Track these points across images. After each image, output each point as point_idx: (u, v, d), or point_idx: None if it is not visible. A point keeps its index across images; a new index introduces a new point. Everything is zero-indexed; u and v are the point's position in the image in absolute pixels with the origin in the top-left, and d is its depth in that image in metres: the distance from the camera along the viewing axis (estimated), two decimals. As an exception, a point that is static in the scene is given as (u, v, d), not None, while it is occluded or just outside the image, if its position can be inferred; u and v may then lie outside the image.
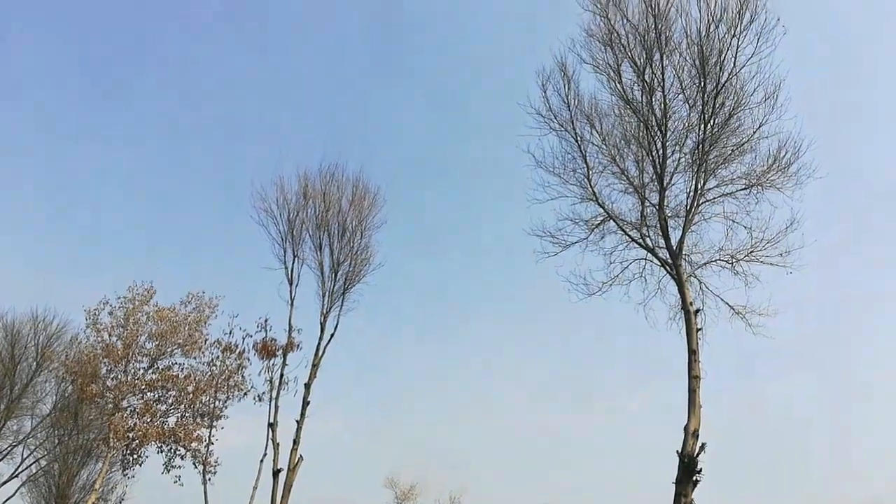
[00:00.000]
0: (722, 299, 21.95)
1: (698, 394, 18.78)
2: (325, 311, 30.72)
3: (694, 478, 17.63)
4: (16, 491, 40.03)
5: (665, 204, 21.57)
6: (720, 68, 21.03)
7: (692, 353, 19.33)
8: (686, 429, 18.31)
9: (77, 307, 42.65)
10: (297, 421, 28.42)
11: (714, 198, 22.01)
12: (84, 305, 30.74)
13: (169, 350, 30.76)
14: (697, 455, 17.82)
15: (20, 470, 39.70)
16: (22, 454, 39.81)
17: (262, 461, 28.38)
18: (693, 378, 18.97)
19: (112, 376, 30.34)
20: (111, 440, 29.44)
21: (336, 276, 31.40)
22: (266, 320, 30.75)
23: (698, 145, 21.33)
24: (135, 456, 30.10)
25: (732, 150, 21.57)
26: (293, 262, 31.16)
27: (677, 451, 17.97)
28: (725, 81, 20.98)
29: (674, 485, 17.74)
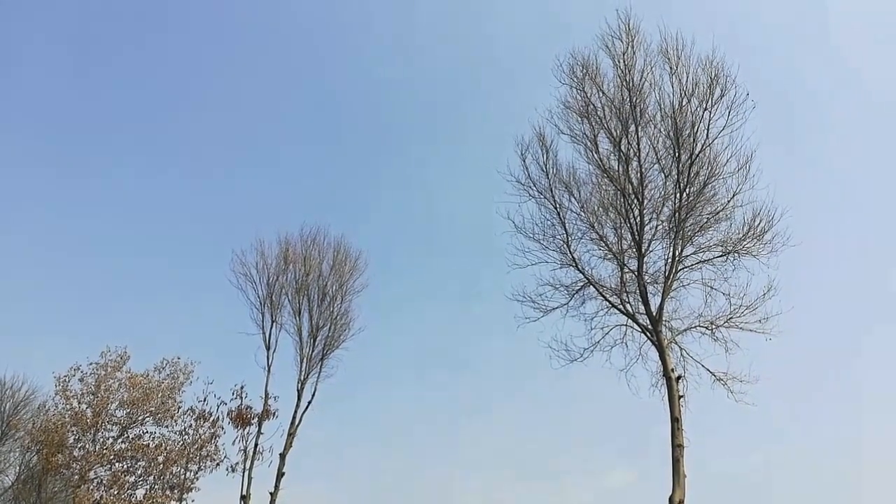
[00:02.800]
0: (703, 366, 21.89)
1: (682, 463, 18.51)
2: (302, 378, 30.26)
3: (680, 550, 17.19)
4: (-28, 570, 37.82)
5: (644, 270, 21.79)
6: (693, 139, 21.69)
7: (675, 420, 19.15)
8: (671, 499, 17.98)
9: (47, 371, 41.29)
10: (270, 493, 27.49)
11: (692, 264, 22.30)
12: (54, 372, 29.97)
13: (140, 418, 29.88)
14: (683, 526, 17.42)
15: (-23, 547, 37.62)
16: (-20, 529, 37.81)
17: (233, 536, 27.24)
18: (676, 447, 18.72)
19: (80, 445, 29.31)
20: (75, 514, 28.14)
21: (315, 341, 31.10)
22: (242, 387, 30.16)
23: (675, 213, 21.74)
24: (101, 531, 28.73)
25: (708, 219, 22.00)
26: (271, 328, 30.92)
27: (663, 524, 17.57)
28: (699, 152, 21.59)
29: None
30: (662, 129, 22.20)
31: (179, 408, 30.46)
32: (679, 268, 21.82)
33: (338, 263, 32.43)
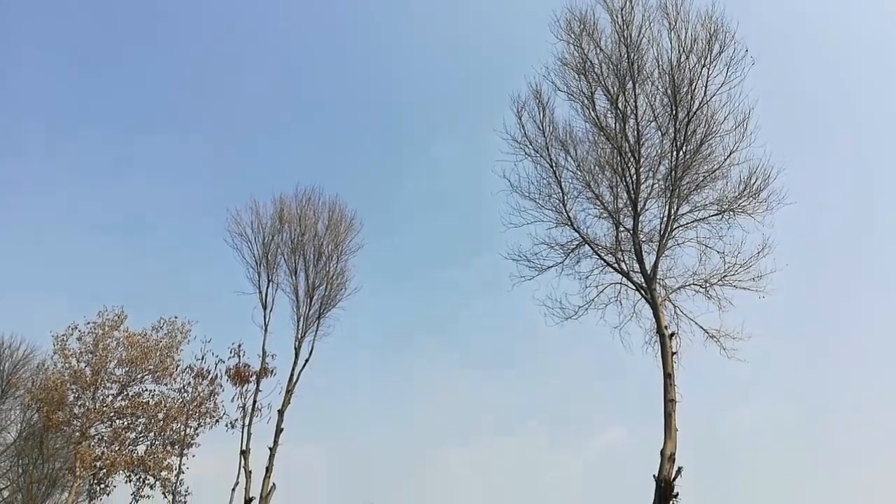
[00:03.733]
0: (696, 323, 22.17)
1: (674, 417, 18.79)
2: (299, 336, 30.48)
3: (670, 502, 17.55)
4: (-23, 523, 38.67)
5: (639, 229, 21.83)
6: (691, 97, 21.54)
7: (668, 376, 19.40)
8: (662, 453, 18.25)
9: (44, 331, 41.47)
10: (270, 448, 27.97)
11: (687, 223, 22.35)
12: (52, 330, 30.07)
13: (139, 376, 30.14)
14: (674, 479, 17.75)
15: (-19, 501, 38.37)
16: (-16, 484, 38.51)
17: (233, 490, 27.76)
18: (669, 402, 19.00)
19: (80, 403, 29.58)
20: (78, 469, 28.62)
21: (311, 300, 31.23)
22: (239, 346, 30.35)
23: (671, 171, 21.70)
24: (102, 485, 29.27)
25: (704, 177, 21.98)
26: (267, 287, 30.97)
27: (654, 476, 17.91)
28: (696, 110, 21.47)
29: (651, 509, 17.65)
30: (660, 87, 22.03)
31: (178, 366, 30.72)
32: (674, 226, 21.86)
33: (333, 223, 32.35)
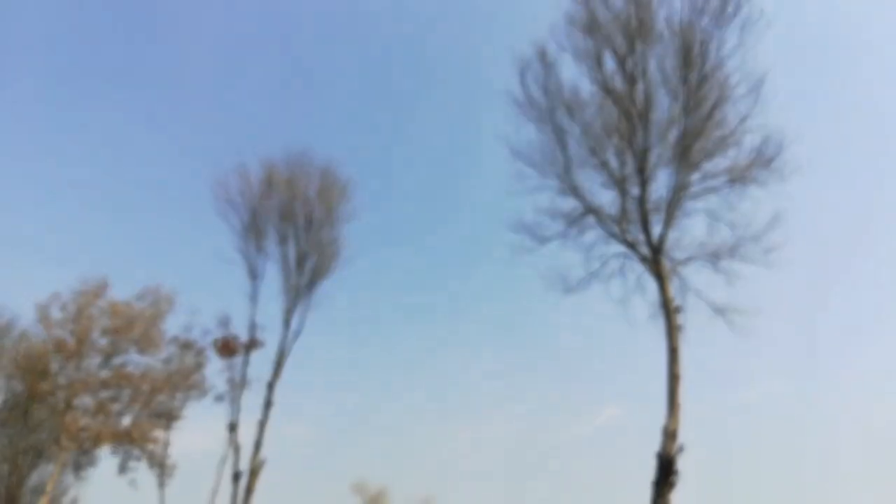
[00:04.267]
0: (703, 297, 21.31)
1: (678, 393, 18.23)
2: (289, 308, 29.48)
3: (671, 478, 17.09)
4: (-39, 493, 38.02)
5: (646, 198, 20.86)
6: (703, 59, 20.38)
7: (672, 351, 18.75)
8: (665, 429, 17.81)
9: (26, 300, 40.43)
10: (259, 422, 27.17)
11: (697, 193, 21.34)
12: (34, 299, 29.08)
13: (124, 347, 29.22)
14: (676, 456, 17.29)
15: (-35, 471, 37.68)
16: (-32, 455, 37.79)
17: (221, 464, 27.11)
18: (673, 377, 18.41)
19: (64, 373, 28.74)
20: (63, 440, 27.91)
21: (302, 270, 30.08)
22: (227, 317, 29.42)
23: (681, 138, 20.63)
24: (88, 457, 28.64)
25: (716, 144, 20.91)
26: (256, 256, 29.83)
27: (657, 453, 17.42)
28: (709, 72, 20.31)
29: (652, 486, 17.17)
30: (671, 48, 20.80)
31: (163, 337, 29.84)
32: (683, 196, 20.89)
33: (325, 188, 30.92)
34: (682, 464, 17.65)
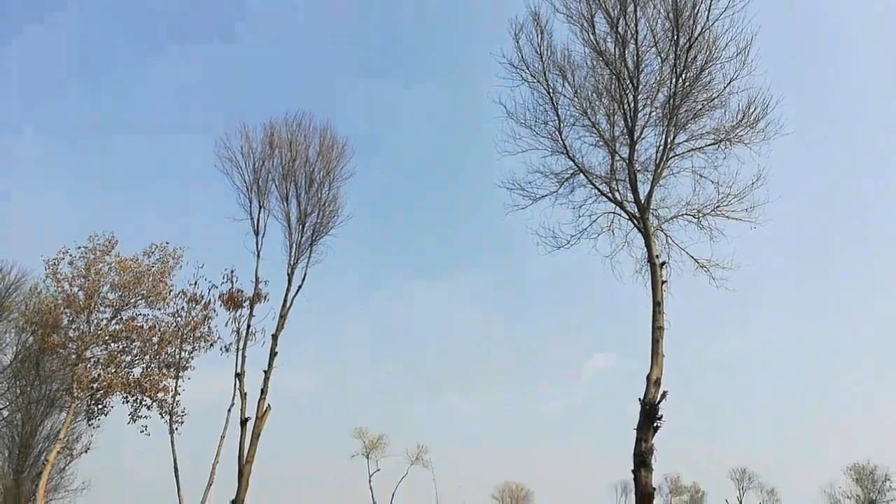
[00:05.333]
0: (687, 253, 22.40)
1: (661, 344, 19.26)
2: (292, 263, 30.55)
3: (654, 424, 18.16)
4: (-22, 441, 39.60)
5: (635, 158, 21.68)
6: (693, 21, 20.91)
7: (657, 304, 19.74)
8: (648, 377, 18.82)
9: (35, 256, 41.22)
10: (264, 371, 28.49)
11: (683, 152, 22.20)
12: (42, 255, 29.88)
13: (132, 301, 30.20)
14: (659, 402, 18.33)
15: (-19, 420, 39.16)
16: (-17, 405, 39.19)
17: (229, 410, 28.48)
18: (657, 329, 19.42)
19: (74, 327, 29.77)
20: (75, 390, 29.06)
21: (303, 227, 31.14)
22: (232, 272, 30.42)
23: (669, 99, 21.35)
24: (100, 406, 29.83)
25: (703, 105, 21.65)
26: (259, 213, 30.78)
27: (640, 399, 18.47)
28: (698, 35, 20.88)
29: (635, 431, 18.26)
30: (662, 10, 21.34)
31: (171, 291, 30.73)
32: (670, 155, 21.74)
33: (324, 149, 31.84)
34: (666, 409, 18.71)
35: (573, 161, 22.59)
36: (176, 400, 29.80)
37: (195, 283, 30.46)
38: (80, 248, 29.93)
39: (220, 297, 30.08)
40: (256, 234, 30.50)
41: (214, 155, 30.77)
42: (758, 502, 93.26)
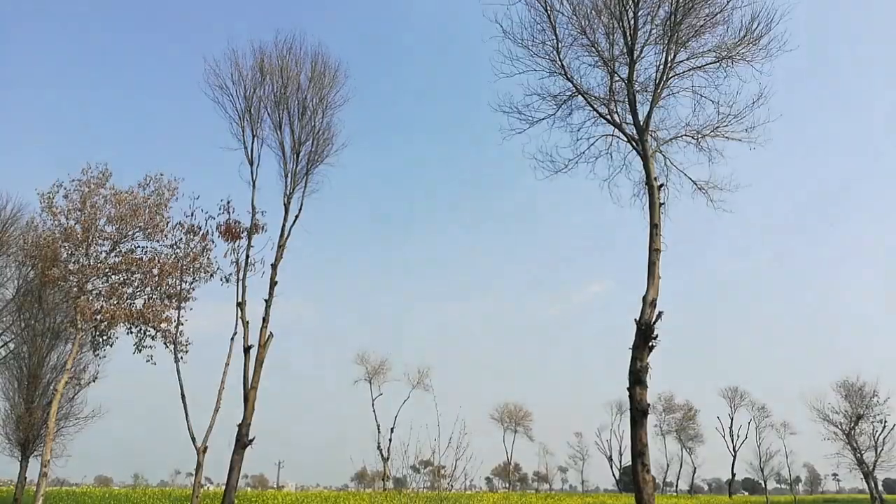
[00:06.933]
0: (685, 174, 22.28)
1: (658, 266, 19.44)
2: (288, 193, 30.42)
3: (650, 343, 18.55)
4: (-14, 374, 40.40)
5: (634, 78, 21.22)
6: (697, -69, 20.07)
7: (654, 226, 19.80)
8: (644, 298, 19.09)
9: (29, 189, 40.91)
10: (265, 300, 28.81)
11: (683, 71, 21.72)
12: (37, 189, 29.58)
13: (130, 233, 30.12)
14: (654, 322, 18.66)
15: (-12, 353, 39.81)
16: (-12, 338, 39.71)
17: (232, 339, 28.92)
18: (654, 251, 19.55)
19: (73, 260, 29.79)
20: (78, 322, 29.37)
21: (298, 156, 30.80)
22: (229, 202, 30.16)
23: (670, 15, 20.70)
24: (104, 337, 30.19)
25: (705, 21, 21.03)
26: (252, 142, 30.37)
27: (635, 319, 18.78)
28: (701, -54, 20.08)
29: (630, 350, 18.65)
30: (664, -81, 20.42)
31: (168, 223, 30.58)
32: (670, 75, 21.29)
33: (316, 75, 31.03)
34: (660, 329, 19.05)
35: (571, 82, 22.14)
36: (179, 330, 30.18)
37: (192, 215, 30.29)
38: (73, 180, 29.66)
39: (217, 227, 30.01)
40: (251, 164, 30.20)
41: (205, 83, 30.04)
42: (748, 418, 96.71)
